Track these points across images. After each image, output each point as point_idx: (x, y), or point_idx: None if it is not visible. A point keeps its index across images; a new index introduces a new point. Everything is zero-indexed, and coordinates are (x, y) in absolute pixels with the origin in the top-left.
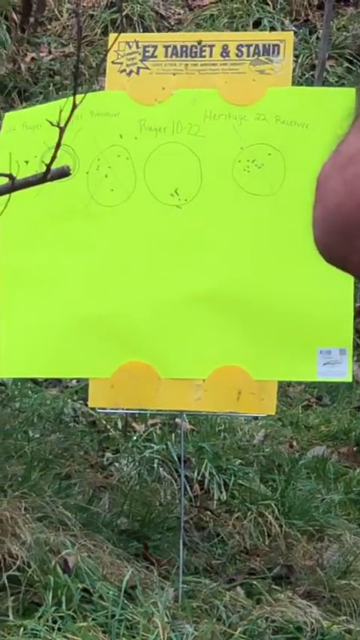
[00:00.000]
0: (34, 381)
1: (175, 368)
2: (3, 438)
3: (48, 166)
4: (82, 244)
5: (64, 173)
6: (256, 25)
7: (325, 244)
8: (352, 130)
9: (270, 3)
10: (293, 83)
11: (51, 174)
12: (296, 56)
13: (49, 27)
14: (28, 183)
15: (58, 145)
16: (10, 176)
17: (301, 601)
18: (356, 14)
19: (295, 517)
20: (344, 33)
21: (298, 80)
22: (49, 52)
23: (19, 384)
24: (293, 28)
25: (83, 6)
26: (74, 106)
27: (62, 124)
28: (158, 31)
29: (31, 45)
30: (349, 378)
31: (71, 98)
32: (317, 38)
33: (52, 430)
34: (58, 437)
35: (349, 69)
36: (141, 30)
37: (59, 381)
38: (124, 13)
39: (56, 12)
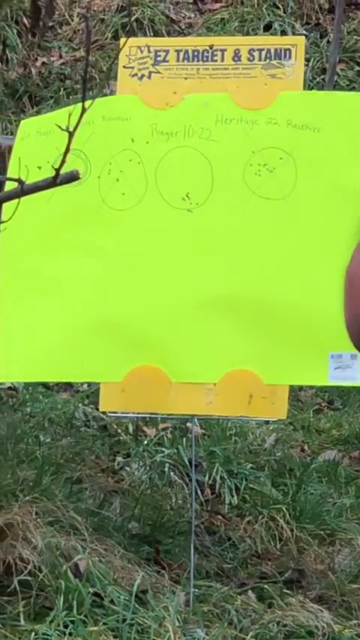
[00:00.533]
0: (45, 385)
1: (186, 372)
2: (14, 443)
3: (57, 171)
4: (93, 248)
5: (73, 177)
6: (267, 28)
7: (358, 342)
8: None
9: (281, 7)
10: (304, 87)
11: (60, 179)
12: (307, 60)
13: (59, 31)
14: (37, 187)
15: (67, 149)
16: (20, 181)
17: (313, 605)
18: None
19: (307, 521)
20: (355, 37)
21: (309, 84)
22: (60, 57)
23: (30, 388)
24: (304, 32)
25: (94, 10)
26: (83, 111)
27: (72, 129)
28: (169, 34)
29: (42, 49)
30: (359, 382)
31: (81, 103)
32: (328, 42)
33: (63, 434)
34: (69, 441)
35: (359, 72)
36: (151, 34)
37: (70, 385)
38: (134, 17)
39: (67, 16)
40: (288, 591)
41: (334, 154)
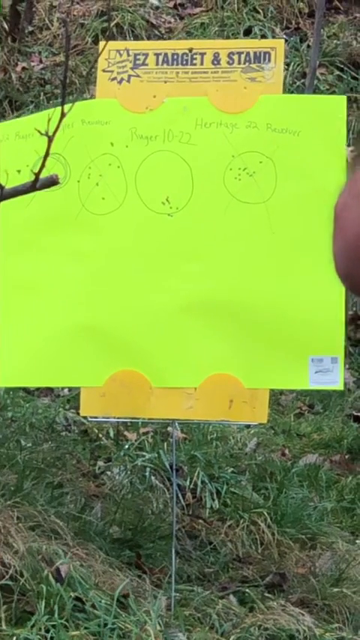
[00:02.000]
0: (26, 390)
1: (166, 377)
2: None
3: (37, 175)
4: (73, 253)
5: (52, 182)
6: (247, 33)
7: (347, 275)
8: None
9: (261, 11)
10: (284, 91)
11: (40, 183)
12: (287, 64)
13: (39, 36)
14: (16, 192)
15: (47, 153)
16: None
17: (294, 609)
18: (347, 22)
19: (288, 525)
20: (335, 41)
21: (290, 88)
22: (40, 61)
23: (11, 392)
24: (284, 36)
25: (74, 15)
26: (62, 115)
27: (51, 133)
28: (149, 39)
29: (22, 54)
30: (340, 386)
31: (59, 107)
32: (308, 46)
33: (44, 439)
34: (50, 446)
35: (339, 77)
36: (131, 38)
37: (51, 390)
38: (114, 22)
39: (47, 21)
40: (269, 595)
41: (313, 158)
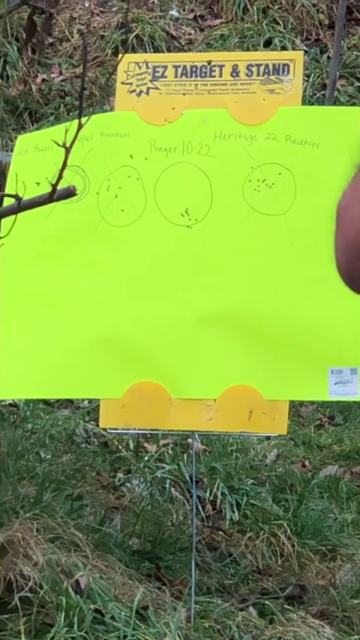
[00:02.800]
0: (46, 402)
1: (186, 388)
2: (15, 459)
3: (54, 186)
4: (92, 265)
5: (70, 193)
6: (267, 44)
7: (348, 273)
8: None
9: (281, 22)
10: (304, 103)
11: (57, 195)
12: (307, 76)
13: (59, 48)
14: (34, 203)
15: (64, 165)
16: (17, 197)
17: (314, 621)
18: None
19: (308, 537)
20: (355, 52)
21: (310, 99)
22: (60, 73)
23: (31, 404)
24: (304, 48)
25: (94, 27)
26: (79, 127)
27: (68, 145)
28: (169, 51)
29: (42, 66)
30: None
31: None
32: (328, 57)
33: (63, 451)
34: (69, 458)
35: None
36: (151, 50)
37: (71, 401)
38: (134, 34)
39: (67, 33)
40: (289, 607)
41: (333, 169)
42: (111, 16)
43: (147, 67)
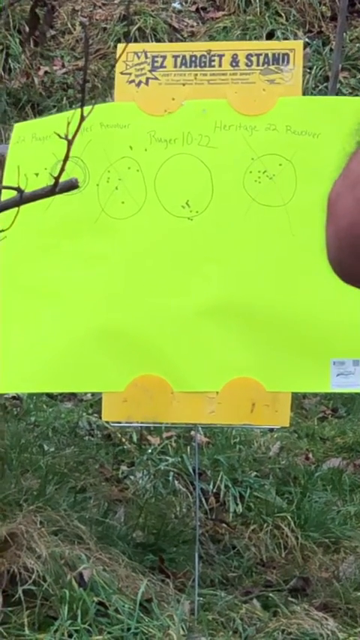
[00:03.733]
0: (49, 394)
1: (188, 381)
2: (18, 452)
3: (56, 179)
4: (93, 257)
5: (72, 185)
6: (270, 36)
7: (338, 262)
8: None
9: (283, 15)
10: (306, 94)
11: (59, 187)
12: (310, 68)
13: (61, 40)
14: (36, 196)
15: (66, 157)
16: (19, 189)
17: (318, 613)
18: None
19: (311, 529)
20: (357, 44)
21: (312, 92)
22: (63, 66)
23: (34, 397)
24: (307, 40)
25: (96, 19)
26: (82, 118)
27: (70, 137)
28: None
29: (45, 58)
30: None
31: (79, 110)
32: (330, 50)
33: (67, 444)
34: (73, 450)
35: None
36: (154, 42)
37: (74, 394)
38: (136, 26)
39: (69, 25)
40: (293, 599)
41: (333, 160)
42: (113, 9)
43: (146, 57)
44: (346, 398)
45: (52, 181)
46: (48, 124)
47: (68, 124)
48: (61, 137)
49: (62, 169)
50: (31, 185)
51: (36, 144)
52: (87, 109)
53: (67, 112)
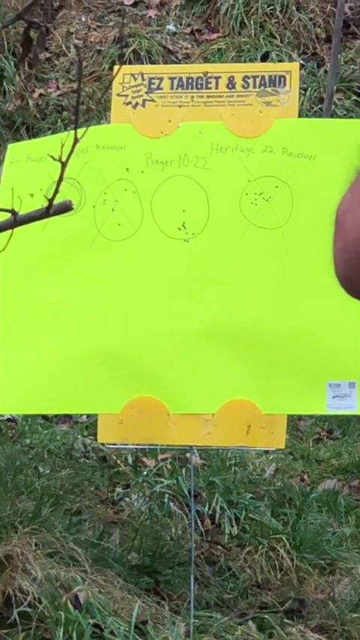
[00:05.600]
0: (44, 416)
1: (184, 403)
2: (13, 474)
3: (50, 201)
4: (89, 279)
5: (66, 208)
6: (264, 58)
7: (346, 277)
8: None
9: (278, 37)
10: (302, 116)
11: (53, 209)
12: (304, 89)
13: (56, 63)
14: (30, 218)
15: (60, 179)
16: (13, 211)
17: (313, 635)
18: None
19: (307, 551)
20: (352, 66)
21: (307, 113)
22: (57, 88)
23: (30, 419)
24: (301, 62)
25: (90, 41)
26: (76, 140)
27: (64, 158)
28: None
29: (39, 81)
30: (358, 411)
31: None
32: (325, 71)
33: (62, 466)
34: (68, 472)
35: (357, 102)
36: (149, 65)
37: (69, 416)
38: (131, 48)
39: (64, 48)
40: (288, 621)
41: (329, 182)
42: (108, 31)
43: (142, 79)
44: (341, 420)
45: (47, 203)
46: (43, 145)
47: (62, 145)
48: (55, 159)
49: (56, 191)
50: (26, 206)
51: (31, 165)
52: (81, 130)
53: (62, 134)
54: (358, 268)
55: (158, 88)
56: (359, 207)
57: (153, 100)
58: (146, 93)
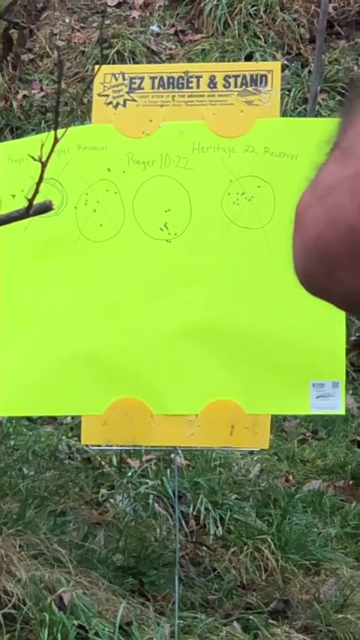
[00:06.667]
0: (29, 418)
1: (167, 404)
2: None
3: (30, 201)
4: (71, 280)
5: (46, 208)
6: (248, 59)
7: (306, 275)
8: (332, 159)
9: (262, 37)
10: (285, 116)
11: (33, 210)
12: (289, 90)
13: (40, 64)
14: (10, 218)
15: (40, 180)
16: None
17: (298, 635)
18: (348, 47)
19: (292, 551)
20: (336, 66)
21: (291, 114)
22: (41, 89)
23: (14, 421)
24: (285, 62)
25: (74, 42)
26: (56, 140)
27: (44, 159)
28: None
29: (23, 82)
30: (342, 411)
31: (53, 132)
32: (309, 72)
33: (46, 467)
34: (52, 474)
35: (341, 102)
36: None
37: (54, 418)
38: (115, 49)
39: (47, 49)
40: (273, 622)
41: None
42: (92, 32)
43: (123, 79)
44: (326, 420)
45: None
46: (24, 145)
47: (42, 145)
48: (35, 159)
49: (36, 191)
50: (8, 206)
51: (12, 165)
52: (62, 131)
53: (43, 134)
54: (317, 265)
55: (139, 87)
56: (319, 203)
57: (134, 100)
58: (127, 93)
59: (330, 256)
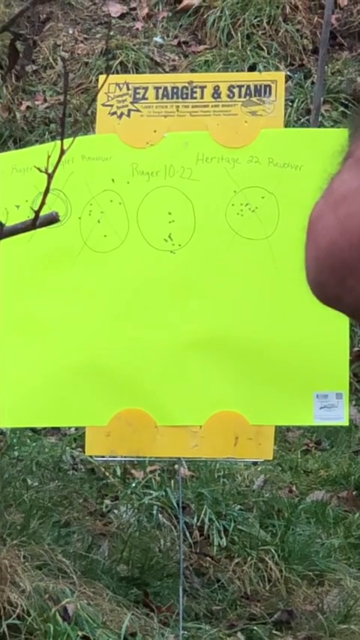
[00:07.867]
0: (33, 429)
1: (171, 415)
2: (2, 487)
3: (37, 213)
4: (75, 291)
5: (52, 219)
6: (251, 70)
7: (318, 284)
8: (346, 168)
9: (265, 48)
10: (289, 127)
11: (40, 221)
12: (292, 101)
13: (43, 75)
14: (16, 230)
15: (47, 191)
16: None
17: None
18: (351, 58)
19: (295, 562)
20: (339, 77)
21: (294, 125)
22: (45, 100)
23: (18, 432)
24: (288, 73)
25: (78, 54)
26: (62, 152)
27: (50, 169)
28: None
29: (26, 93)
30: (345, 422)
31: (59, 142)
32: (312, 83)
33: (50, 478)
34: (56, 485)
35: (344, 113)
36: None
37: (57, 428)
38: (118, 60)
39: (51, 60)
40: (277, 632)
41: (315, 192)
42: (95, 43)
43: (128, 89)
44: (329, 431)
45: (33, 214)
46: (28, 155)
47: (49, 157)
48: (41, 171)
49: (43, 203)
50: (13, 217)
51: (16, 175)
52: (68, 141)
53: (47, 144)
54: (329, 274)
55: (143, 97)
56: (332, 212)
57: (138, 110)
58: (131, 103)
59: (342, 264)
